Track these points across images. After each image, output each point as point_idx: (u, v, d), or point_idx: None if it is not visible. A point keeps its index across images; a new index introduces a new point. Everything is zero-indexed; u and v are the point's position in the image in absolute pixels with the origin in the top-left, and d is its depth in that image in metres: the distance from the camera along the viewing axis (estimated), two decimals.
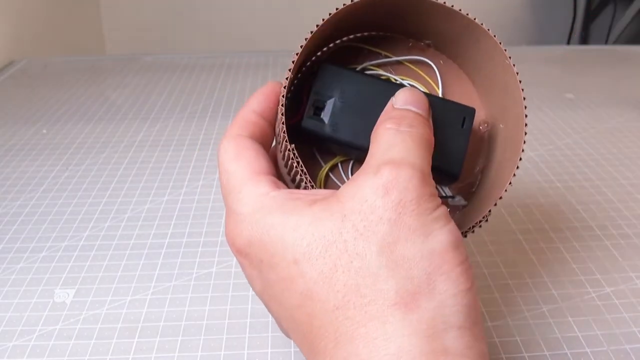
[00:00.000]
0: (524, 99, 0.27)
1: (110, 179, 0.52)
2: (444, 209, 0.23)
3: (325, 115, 0.28)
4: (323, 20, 0.27)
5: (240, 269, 0.40)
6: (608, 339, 0.33)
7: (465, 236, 0.27)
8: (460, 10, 0.27)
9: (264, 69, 0.85)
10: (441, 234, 0.22)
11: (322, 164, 0.30)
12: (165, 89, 0.76)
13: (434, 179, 0.25)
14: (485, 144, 0.31)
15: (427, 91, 0.30)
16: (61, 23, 1.22)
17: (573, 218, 0.45)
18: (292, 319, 0.23)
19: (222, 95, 0.74)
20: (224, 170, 0.26)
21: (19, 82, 0.81)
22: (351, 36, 0.31)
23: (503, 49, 0.27)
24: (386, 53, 0.31)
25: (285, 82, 0.27)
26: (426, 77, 0.31)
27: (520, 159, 0.26)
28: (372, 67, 0.31)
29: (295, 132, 0.28)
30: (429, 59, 0.31)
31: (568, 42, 1.73)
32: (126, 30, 1.58)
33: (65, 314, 0.36)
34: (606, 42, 1.69)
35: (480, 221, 0.27)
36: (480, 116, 0.30)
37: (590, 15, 1.72)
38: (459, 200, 0.30)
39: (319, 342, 0.22)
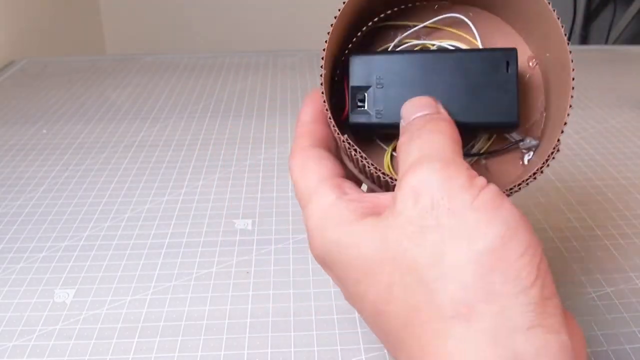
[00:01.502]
0: (562, 26, 0.27)
1: (110, 179, 0.52)
2: (486, 193, 0.21)
3: (369, 105, 0.28)
4: (339, 10, 0.27)
5: (238, 270, 0.40)
6: (608, 339, 0.33)
7: (542, 172, 0.26)
8: None
9: (264, 69, 0.85)
10: (488, 228, 0.20)
11: (385, 147, 0.30)
12: (165, 89, 0.76)
13: (496, 133, 0.25)
14: (537, 78, 0.30)
15: (468, 47, 0.30)
16: (61, 23, 1.22)
17: (573, 218, 0.45)
18: (372, 329, 0.23)
19: (222, 95, 0.74)
20: (294, 185, 0.26)
21: (19, 82, 0.81)
22: (375, 19, 0.31)
23: None
24: (414, 23, 0.31)
25: (321, 79, 0.27)
26: (461, 33, 0.30)
27: (573, 78, 0.26)
28: (406, 40, 0.31)
29: (349, 127, 0.29)
30: (457, 13, 0.30)
31: (568, 42, 1.73)
32: (126, 30, 1.58)
33: (65, 314, 0.36)
34: (606, 42, 1.68)
35: (553, 152, 0.27)
36: (526, 53, 0.30)
37: (590, 15, 1.72)
38: (530, 142, 0.29)
39: (399, 355, 0.22)
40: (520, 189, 0.27)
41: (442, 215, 0.21)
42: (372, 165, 0.26)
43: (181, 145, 0.59)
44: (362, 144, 0.29)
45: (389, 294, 0.21)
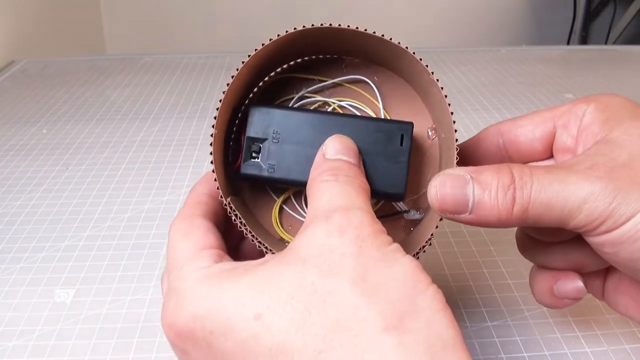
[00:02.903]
0: (452, 113, 0.26)
1: (110, 179, 0.52)
2: (397, 245, 0.23)
3: (262, 158, 0.28)
4: (244, 60, 0.27)
5: None
6: (608, 339, 0.33)
7: (420, 254, 0.27)
8: (382, 36, 0.26)
9: None
10: (404, 261, 0.22)
11: (275, 198, 0.30)
12: (165, 89, 0.76)
13: (383, 201, 0.26)
14: (434, 149, 0.30)
15: (369, 110, 0.30)
16: (61, 23, 1.22)
17: None
18: None
19: (222, 95, 0.74)
20: (171, 247, 0.26)
21: (19, 82, 0.81)
22: (284, 66, 0.31)
23: (425, 65, 0.26)
24: (320, 77, 0.31)
25: (214, 131, 0.28)
26: (364, 93, 0.31)
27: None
28: (308, 95, 0.31)
29: (241, 178, 0.29)
30: (363, 75, 0.30)
31: (568, 42, 1.73)
32: (126, 30, 1.58)
33: (65, 314, 0.36)
34: (606, 42, 1.69)
35: (429, 239, 0.27)
36: (427, 121, 0.30)
37: (590, 15, 1.72)
38: (414, 214, 0.30)
39: None
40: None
41: (367, 246, 0.22)
42: (250, 232, 0.27)
43: (181, 145, 0.59)
44: (253, 191, 0.29)
45: (305, 319, 0.21)
